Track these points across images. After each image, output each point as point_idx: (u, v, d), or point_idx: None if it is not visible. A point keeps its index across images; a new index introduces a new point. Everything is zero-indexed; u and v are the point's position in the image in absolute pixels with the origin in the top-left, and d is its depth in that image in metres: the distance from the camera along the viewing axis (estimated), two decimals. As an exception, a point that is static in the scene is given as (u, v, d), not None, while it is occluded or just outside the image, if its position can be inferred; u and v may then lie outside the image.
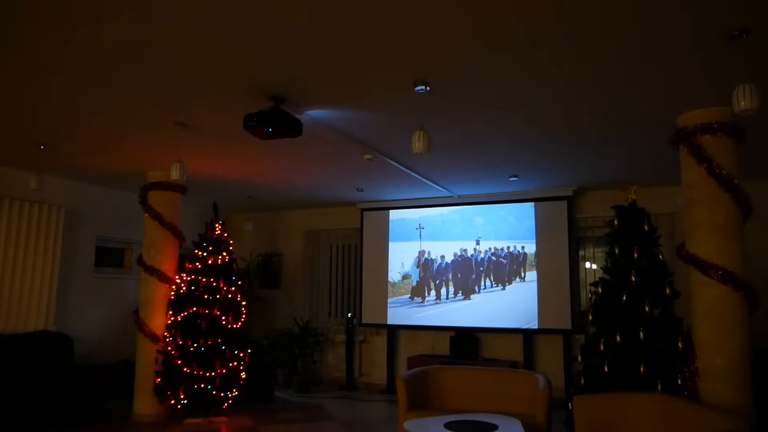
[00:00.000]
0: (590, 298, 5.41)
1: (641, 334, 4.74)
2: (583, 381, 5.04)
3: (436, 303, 8.71)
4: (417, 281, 8.94)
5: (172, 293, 6.83)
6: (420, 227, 9.01)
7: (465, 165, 6.75)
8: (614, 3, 3.10)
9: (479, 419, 4.63)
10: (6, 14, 3.27)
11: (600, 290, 5.18)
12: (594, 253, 8.17)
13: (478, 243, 8.56)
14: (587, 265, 8.24)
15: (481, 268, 8.50)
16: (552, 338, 7.98)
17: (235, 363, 6.60)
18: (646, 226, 5.15)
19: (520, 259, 8.25)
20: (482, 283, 8.47)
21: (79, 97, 4.63)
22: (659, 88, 4.33)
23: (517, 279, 8.23)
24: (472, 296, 8.50)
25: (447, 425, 4.37)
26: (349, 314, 9.32)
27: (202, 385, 6.38)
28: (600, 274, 5.33)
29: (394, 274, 9.10)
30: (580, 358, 5.21)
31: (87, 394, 6.52)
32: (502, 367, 7.49)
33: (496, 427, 4.34)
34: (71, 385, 6.42)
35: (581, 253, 8.26)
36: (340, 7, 3.17)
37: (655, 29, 3.40)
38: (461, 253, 8.66)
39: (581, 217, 8.13)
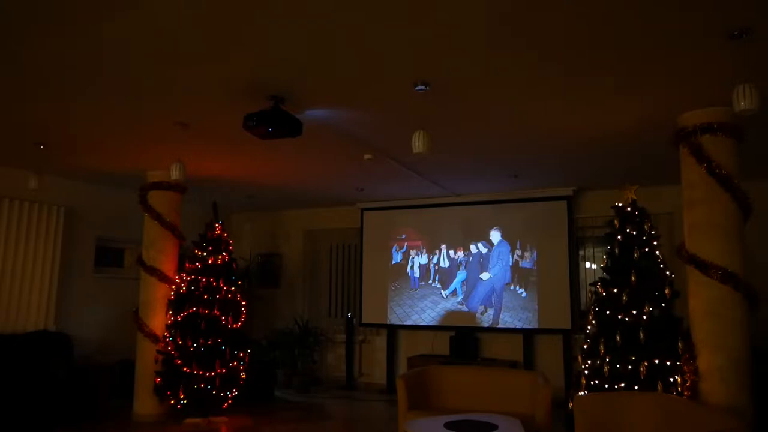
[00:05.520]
0: (590, 298, 5.42)
1: (641, 334, 4.74)
2: (583, 381, 5.05)
3: (437, 302, 8.71)
4: (417, 280, 8.94)
5: (172, 293, 6.82)
6: (419, 227, 9.01)
7: (465, 165, 6.75)
8: (614, 3, 3.10)
9: (479, 419, 4.62)
10: (7, 14, 3.27)
11: (600, 290, 5.19)
12: (594, 253, 8.17)
13: (478, 242, 8.55)
14: (587, 265, 8.23)
15: (481, 268, 8.49)
16: (552, 338, 7.97)
17: (235, 363, 6.60)
18: (646, 226, 5.15)
19: (520, 259, 8.25)
20: (482, 283, 8.46)
21: (79, 97, 4.63)
22: (659, 88, 4.33)
23: (517, 278, 8.23)
24: (472, 295, 8.49)
25: (447, 425, 4.36)
26: (349, 314, 9.32)
27: (202, 385, 6.38)
28: (600, 274, 5.33)
29: (393, 274, 9.09)
30: (580, 358, 5.21)
31: (87, 394, 6.51)
32: (501, 366, 7.49)
33: (496, 427, 4.33)
34: (71, 385, 6.41)
35: (581, 253, 8.25)
36: (340, 7, 3.17)
37: (656, 29, 3.40)
38: (461, 253, 8.65)
39: (581, 217, 8.13)
